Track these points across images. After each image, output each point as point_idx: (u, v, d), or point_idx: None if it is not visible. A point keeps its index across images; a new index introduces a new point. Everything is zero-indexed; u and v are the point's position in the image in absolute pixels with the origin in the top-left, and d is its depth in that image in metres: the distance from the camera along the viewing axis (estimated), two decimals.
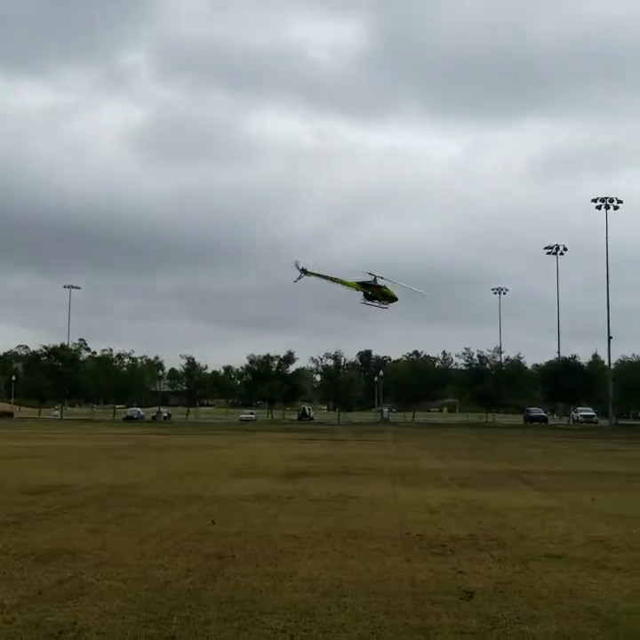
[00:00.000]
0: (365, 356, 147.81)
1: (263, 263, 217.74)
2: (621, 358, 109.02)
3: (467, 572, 10.34)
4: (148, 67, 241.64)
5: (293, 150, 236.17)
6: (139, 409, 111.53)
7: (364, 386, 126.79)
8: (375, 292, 73.76)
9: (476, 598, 8.87)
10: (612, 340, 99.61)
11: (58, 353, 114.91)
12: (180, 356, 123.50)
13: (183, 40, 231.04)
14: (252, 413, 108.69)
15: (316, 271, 76.15)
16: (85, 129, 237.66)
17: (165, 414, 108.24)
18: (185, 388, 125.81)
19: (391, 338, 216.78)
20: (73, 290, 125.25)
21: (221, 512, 15.79)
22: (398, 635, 7.40)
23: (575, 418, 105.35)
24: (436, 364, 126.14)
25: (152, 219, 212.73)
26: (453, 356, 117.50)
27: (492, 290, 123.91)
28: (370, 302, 74.56)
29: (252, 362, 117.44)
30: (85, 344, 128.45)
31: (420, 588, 9.41)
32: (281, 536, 12.99)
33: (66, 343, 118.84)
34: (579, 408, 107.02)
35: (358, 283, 74.14)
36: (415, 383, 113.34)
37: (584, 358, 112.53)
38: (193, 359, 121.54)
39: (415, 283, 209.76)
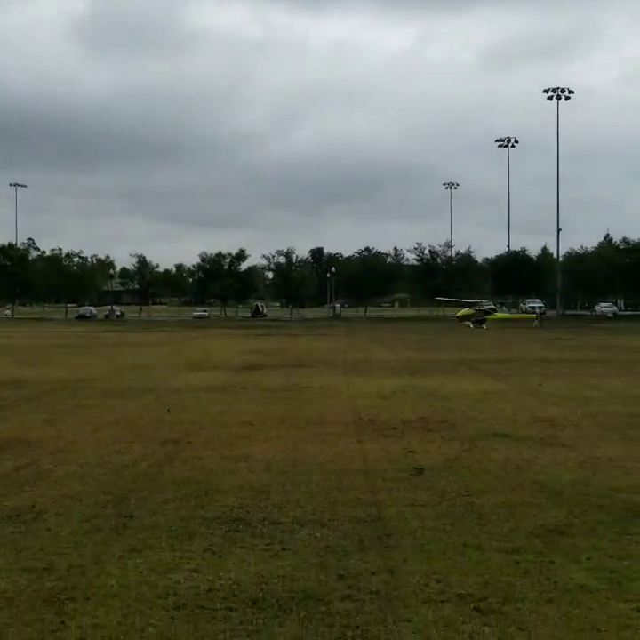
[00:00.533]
0: (317, 253, 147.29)
1: (211, 159, 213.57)
2: (569, 251, 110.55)
3: (417, 451, 10.63)
4: None
5: (236, 42, 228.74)
6: (91, 308, 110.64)
7: (317, 282, 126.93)
8: None
9: (426, 474, 9.15)
10: (561, 233, 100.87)
11: (6, 252, 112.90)
12: (131, 254, 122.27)
13: None
14: (205, 311, 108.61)
15: None
16: (23, 21, 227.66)
17: (118, 313, 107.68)
18: (137, 286, 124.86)
19: (343, 234, 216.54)
20: (19, 188, 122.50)
21: (177, 402, 15.95)
22: (351, 508, 7.63)
23: (524, 310, 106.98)
24: (388, 259, 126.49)
25: (97, 114, 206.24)
26: (405, 252, 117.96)
27: (444, 184, 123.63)
28: None
29: (203, 260, 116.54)
30: (34, 243, 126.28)
31: (371, 466, 9.68)
32: (236, 422, 13.20)
33: (14, 242, 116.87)
34: (528, 300, 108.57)
35: None
36: (367, 279, 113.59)
37: (534, 251, 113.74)
38: (144, 258, 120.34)
39: (365, 178, 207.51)
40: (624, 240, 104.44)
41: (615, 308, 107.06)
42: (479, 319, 66.73)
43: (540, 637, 4.64)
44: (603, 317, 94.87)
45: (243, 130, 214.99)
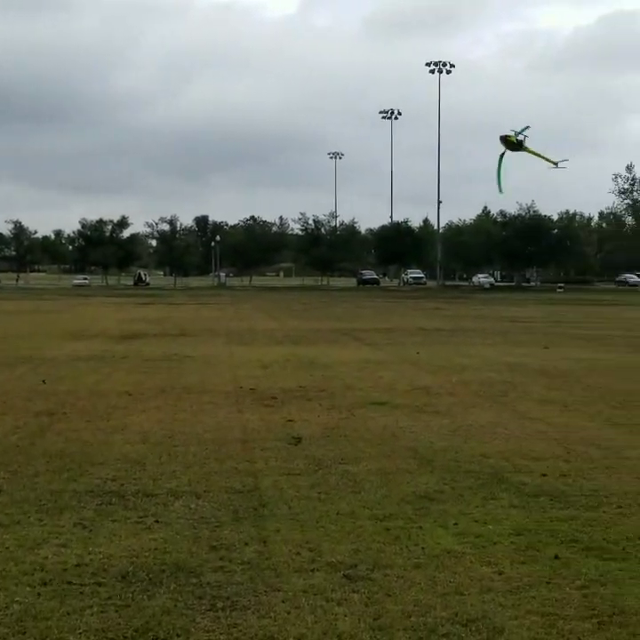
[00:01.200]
0: (202, 221, 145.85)
1: (96, 123, 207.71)
2: (449, 222, 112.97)
3: (296, 420, 10.70)
4: None
5: (124, 2, 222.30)
6: None
7: (201, 251, 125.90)
8: None
9: (304, 443, 9.22)
10: (441, 205, 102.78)
11: None
12: (6, 220, 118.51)
13: None
14: (85, 279, 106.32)
15: (531, 148, 74.28)
16: None
17: None
18: (13, 253, 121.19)
19: (228, 203, 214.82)
20: None
21: (53, 372, 15.58)
22: (227, 478, 7.63)
23: (405, 280, 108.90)
24: (273, 229, 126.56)
25: None
26: (290, 221, 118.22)
27: (328, 154, 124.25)
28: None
29: (84, 226, 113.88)
30: None
31: (250, 436, 9.69)
32: (114, 393, 12.99)
33: None
34: (409, 270, 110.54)
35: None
36: (252, 248, 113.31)
37: (416, 222, 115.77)
38: (20, 223, 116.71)
39: (251, 146, 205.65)
40: (501, 213, 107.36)
41: (492, 279, 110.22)
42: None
43: (406, 602, 4.75)
44: (480, 288, 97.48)
45: (128, 93, 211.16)
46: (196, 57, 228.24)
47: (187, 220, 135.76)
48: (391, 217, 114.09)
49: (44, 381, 14.17)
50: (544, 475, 7.80)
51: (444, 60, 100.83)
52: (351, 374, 15.64)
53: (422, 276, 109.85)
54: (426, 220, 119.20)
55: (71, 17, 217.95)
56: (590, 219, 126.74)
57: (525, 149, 73.87)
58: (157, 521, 6.33)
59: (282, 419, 10.80)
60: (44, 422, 10.50)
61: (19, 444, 9.17)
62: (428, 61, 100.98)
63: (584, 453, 8.78)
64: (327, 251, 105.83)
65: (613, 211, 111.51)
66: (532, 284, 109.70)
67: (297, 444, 9.17)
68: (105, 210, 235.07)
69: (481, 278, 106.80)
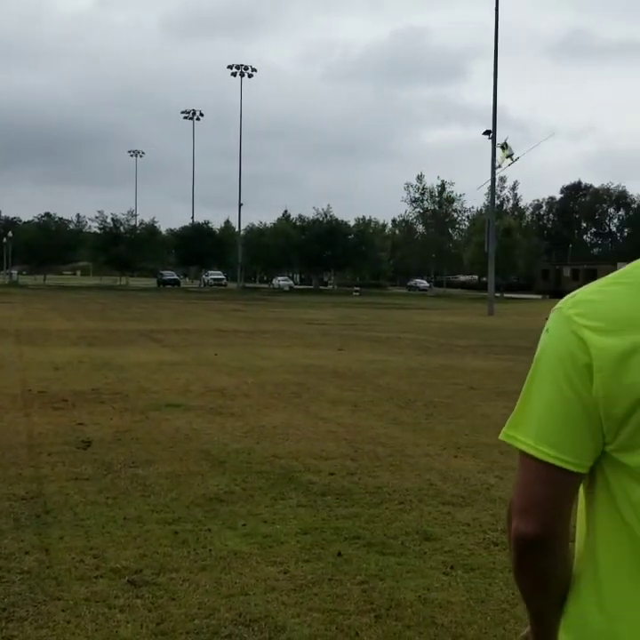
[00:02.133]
0: None
1: None
2: (250, 225, 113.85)
3: (87, 423, 10.44)
4: None
5: None
6: None
7: None
8: None
9: (94, 447, 9.01)
10: (243, 207, 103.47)
11: None
12: None
13: None
14: None
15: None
16: None
17: None
18: None
19: (23, 199, 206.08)
20: None
21: None
22: (10, 485, 7.33)
23: (206, 281, 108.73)
24: (70, 226, 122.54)
25: None
26: (88, 220, 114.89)
27: (129, 152, 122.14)
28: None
29: None
30: None
31: (36, 440, 9.36)
32: None
33: None
34: (210, 272, 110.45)
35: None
36: (47, 245, 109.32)
37: (217, 224, 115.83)
38: None
39: (48, 141, 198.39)
40: (300, 217, 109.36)
41: (291, 281, 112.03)
42: None
43: (190, 605, 4.76)
44: (279, 290, 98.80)
45: None
46: None
47: None
48: (192, 218, 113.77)
49: None
50: (332, 473, 8.02)
51: (245, 64, 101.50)
52: (147, 376, 15.43)
53: (223, 277, 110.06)
54: (227, 222, 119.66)
55: None
56: (385, 225, 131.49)
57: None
58: None
59: (72, 422, 10.50)
60: None
61: None
62: (230, 64, 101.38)
63: (371, 452, 9.10)
64: (126, 250, 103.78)
65: (405, 218, 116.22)
66: (330, 287, 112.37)
67: (86, 448, 8.96)
68: None
69: (280, 281, 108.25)
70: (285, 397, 13.23)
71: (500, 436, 1.54)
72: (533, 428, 1.48)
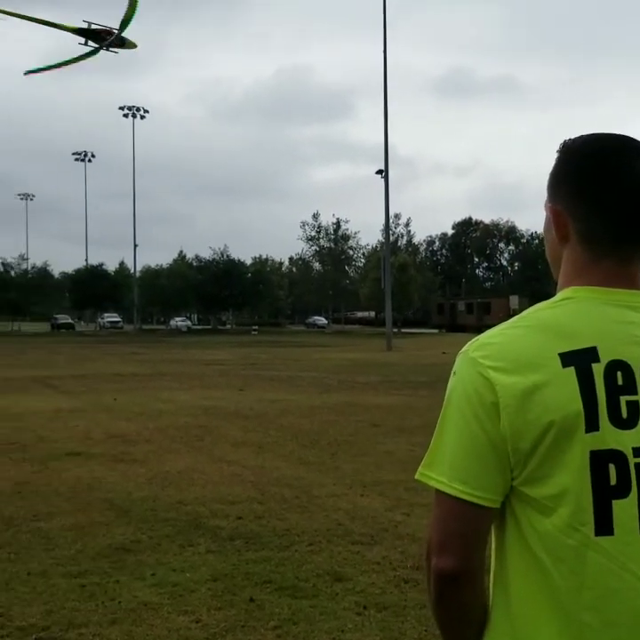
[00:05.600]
0: None
1: None
2: (145, 266, 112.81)
3: None
4: None
5: None
6: None
7: None
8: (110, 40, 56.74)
9: None
10: (138, 248, 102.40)
11: None
12: None
13: None
14: None
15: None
16: None
17: None
18: None
19: None
20: None
21: None
22: None
23: (102, 324, 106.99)
24: None
25: None
26: None
27: (19, 196, 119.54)
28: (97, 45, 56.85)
29: None
30: None
31: None
32: None
33: None
34: (105, 314, 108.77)
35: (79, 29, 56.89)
36: None
37: (112, 266, 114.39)
38: None
39: None
40: (196, 257, 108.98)
41: (189, 322, 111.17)
42: None
43: None
44: (177, 331, 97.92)
45: None
46: None
47: None
48: (86, 260, 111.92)
49: None
50: (240, 518, 7.98)
51: (137, 105, 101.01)
52: (44, 424, 15.06)
53: (119, 320, 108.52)
54: (122, 263, 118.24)
55: None
56: (281, 263, 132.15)
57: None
58: None
59: None
60: None
61: None
62: (122, 105, 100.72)
63: (277, 494, 9.09)
64: (18, 295, 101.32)
65: (302, 256, 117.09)
66: (228, 326, 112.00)
67: None
68: None
69: (178, 322, 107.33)
70: (188, 441, 13.10)
71: (416, 476, 1.63)
72: (446, 466, 1.57)
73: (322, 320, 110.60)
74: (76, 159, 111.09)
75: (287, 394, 21.23)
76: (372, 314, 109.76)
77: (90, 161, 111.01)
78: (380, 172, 59.36)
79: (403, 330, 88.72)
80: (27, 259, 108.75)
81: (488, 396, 1.55)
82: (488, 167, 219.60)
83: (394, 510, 8.27)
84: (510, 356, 1.56)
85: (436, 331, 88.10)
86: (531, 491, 1.55)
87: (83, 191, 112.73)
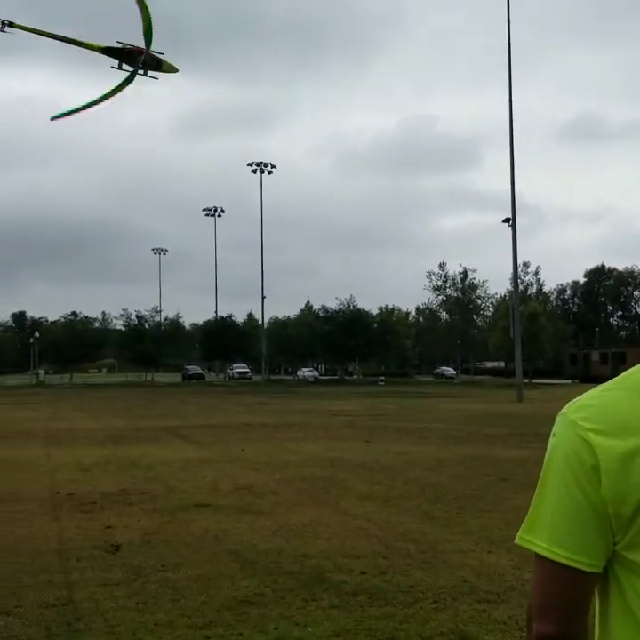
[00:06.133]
0: (20, 317, 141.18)
1: None
2: (272, 317, 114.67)
3: (115, 526, 10.41)
4: None
5: None
6: None
7: (19, 348, 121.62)
8: (141, 59, 51.39)
9: (123, 551, 8.97)
10: (266, 299, 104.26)
11: None
12: None
13: None
14: None
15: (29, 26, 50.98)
16: None
17: None
18: None
19: (45, 298, 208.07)
20: None
21: None
22: (40, 592, 7.31)
23: (231, 375, 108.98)
24: (95, 324, 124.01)
25: None
26: (113, 317, 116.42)
27: (153, 250, 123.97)
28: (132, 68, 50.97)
29: None
30: None
31: (66, 545, 9.34)
32: None
33: None
34: (234, 365, 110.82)
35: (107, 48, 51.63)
36: (73, 344, 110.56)
37: (240, 317, 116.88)
38: None
39: (62, 241, 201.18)
40: (323, 307, 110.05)
41: (316, 372, 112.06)
42: None
43: None
44: (304, 382, 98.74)
45: None
46: (1, 148, 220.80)
47: (2, 315, 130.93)
48: (216, 312, 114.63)
49: None
50: (363, 573, 7.91)
51: (265, 161, 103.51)
52: (174, 475, 15.40)
53: (248, 370, 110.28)
54: (250, 314, 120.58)
55: None
56: (408, 313, 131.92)
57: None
58: None
59: (100, 525, 10.47)
60: None
61: None
62: (250, 161, 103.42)
63: (402, 549, 8.98)
64: (151, 346, 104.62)
65: (429, 306, 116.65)
66: (355, 377, 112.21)
67: (115, 552, 8.91)
68: None
69: (305, 372, 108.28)
70: (314, 493, 13.12)
71: (516, 541, 1.61)
72: (546, 530, 1.56)
73: (450, 370, 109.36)
74: (207, 214, 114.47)
75: (414, 446, 21.04)
76: (502, 364, 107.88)
77: (219, 216, 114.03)
78: (507, 220, 58.80)
79: (534, 380, 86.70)
80: (160, 311, 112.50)
81: (588, 459, 1.53)
82: (620, 213, 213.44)
83: (522, 568, 8.02)
84: (610, 419, 1.54)
85: (568, 382, 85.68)
86: (633, 556, 1.51)
87: (213, 245, 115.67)
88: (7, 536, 9.84)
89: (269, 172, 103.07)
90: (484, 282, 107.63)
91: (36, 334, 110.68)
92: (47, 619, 6.53)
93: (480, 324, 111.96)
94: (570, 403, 1.64)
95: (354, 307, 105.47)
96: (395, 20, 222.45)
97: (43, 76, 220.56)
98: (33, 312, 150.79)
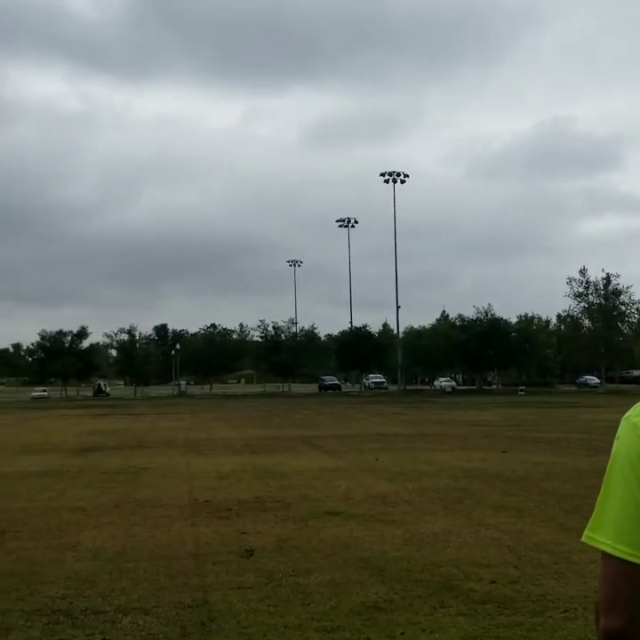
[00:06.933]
0: (162, 329, 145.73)
1: (39, 233, 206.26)
2: (407, 327, 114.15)
3: (249, 532, 10.68)
4: None
5: (57, 113, 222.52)
6: None
7: (162, 360, 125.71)
8: None
9: (256, 556, 9.21)
10: (400, 309, 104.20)
11: None
12: None
13: None
14: (44, 391, 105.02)
15: None
16: None
17: None
18: None
19: (185, 310, 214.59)
20: None
21: (6, 489, 15.41)
22: (177, 594, 7.60)
23: (367, 385, 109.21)
24: (233, 336, 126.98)
25: None
26: (249, 329, 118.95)
27: (288, 262, 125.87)
28: None
29: (43, 338, 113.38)
30: None
31: (202, 549, 9.66)
32: (67, 509, 12.86)
33: None
34: (370, 375, 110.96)
35: None
36: (212, 355, 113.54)
37: (375, 327, 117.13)
38: None
39: (202, 253, 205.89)
40: (459, 317, 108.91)
41: (453, 382, 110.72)
42: None
43: None
44: (441, 392, 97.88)
45: (71, 203, 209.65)
46: (140, 166, 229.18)
47: (146, 328, 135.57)
48: (351, 322, 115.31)
49: None
50: (493, 582, 7.86)
51: (397, 170, 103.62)
52: (308, 483, 15.63)
53: (383, 380, 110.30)
54: (385, 325, 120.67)
55: (5, 128, 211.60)
56: (548, 321, 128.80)
57: None
58: (105, 638, 6.30)
59: (235, 531, 10.77)
60: None
61: None
62: (382, 171, 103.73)
63: (534, 559, 8.86)
64: (288, 357, 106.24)
65: (570, 313, 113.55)
66: (494, 387, 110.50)
67: (249, 557, 9.16)
68: (59, 321, 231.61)
69: (442, 382, 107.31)
70: (446, 503, 13.07)
71: (583, 539, 1.71)
72: (611, 528, 1.65)
73: (593, 379, 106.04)
74: (340, 225, 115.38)
75: (553, 456, 20.61)
76: None
77: (353, 227, 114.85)
78: None
79: None
80: (296, 322, 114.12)
81: None
82: None
83: None
84: None
85: None
86: None
87: (346, 255, 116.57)
88: (148, 540, 10.24)
89: (402, 182, 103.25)
90: (628, 287, 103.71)
91: (177, 346, 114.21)
92: (183, 619, 6.79)
93: (625, 331, 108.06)
94: (634, 406, 1.72)
95: (491, 315, 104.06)
96: (527, 19, 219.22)
97: (178, 95, 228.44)
98: (174, 324, 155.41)
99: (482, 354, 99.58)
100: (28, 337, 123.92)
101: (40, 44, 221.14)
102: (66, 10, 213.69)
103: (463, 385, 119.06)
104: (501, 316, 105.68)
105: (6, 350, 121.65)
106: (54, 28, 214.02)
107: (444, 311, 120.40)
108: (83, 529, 11.14)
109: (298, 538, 10.24)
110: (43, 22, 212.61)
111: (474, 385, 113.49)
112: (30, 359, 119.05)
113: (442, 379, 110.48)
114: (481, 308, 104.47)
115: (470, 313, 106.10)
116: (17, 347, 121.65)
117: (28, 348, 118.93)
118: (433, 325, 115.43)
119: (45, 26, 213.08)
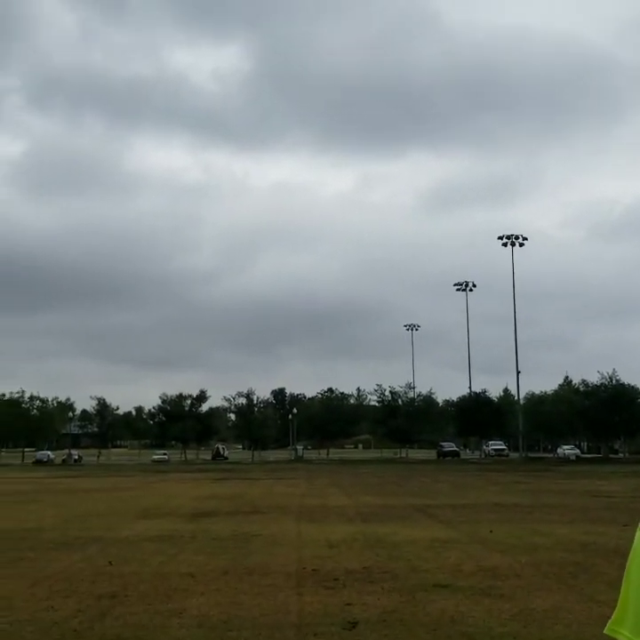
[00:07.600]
0: (279, 393, 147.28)
1: (161, 300, 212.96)
2: (528, 393, 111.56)
3: (355, 603, 10.58)
4: (21, 96, 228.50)
5: (178, 183, 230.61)
6: (48, 452, 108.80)
7: (279, 424, 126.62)
8: None
9: (359, 628, 9.11)
10: (520, 374, 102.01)
11: None
12: (91, 397, 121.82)
13: (56, 67, 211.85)
14: (164, 454, 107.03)
15: None
16: None
17: (76, 457, 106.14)
18: (96, 429, 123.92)
19: (301, 374, 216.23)
20: None
21: (120, 553, 15.74)
22: None
23: (486, 451, 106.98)
24: (350, 400, 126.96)
25: (38, 256, 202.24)
26: (367, 393, 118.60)
27: (405, 326, 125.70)
28: None
29: (164, 401, 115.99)
30: None
31: (306, 620, 9.61)
32: (177, 574, 13.05)
33: None
34: (490, 442, 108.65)
35: None
36: (329, 420, 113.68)
37: (494, 392, 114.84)
38: (104, 400, 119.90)
39: (316, 319, 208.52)
40: (583, 382, 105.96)
41: (577, 450, 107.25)
42: None
43: None
44: (565, 460, 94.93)
45: (191, 270, 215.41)
46: (257, 233, 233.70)
47: (264, 392, 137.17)
48: (470, 387, 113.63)
49: (110, 563, 14.32)
50: None
51: (516, 233, 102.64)
52: (418, 554, 15.39)
53: (504, 447, 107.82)
54: (506, 390, 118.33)
55: (129, 199, 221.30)
56: None
57: None
58: None
59: (341, 602, 10.69)
60: (105, 605, 10.60)
61: (77, 628, 9.28)
62: (500, 234, 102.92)
63: None
64: (405, 422, 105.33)
65: None
66: (620, 455, 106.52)
67: (351, 629, 9.06)
68: (180, 384, 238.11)
69: (566, 450, 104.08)
70: (560, 578, 12.64)
71: (605, 630, 1.73)
72: (630, 620, 1.68)
73: None
74: (458, 289, 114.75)
75: None
76: None
77: (471, 290, 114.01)
78: None
79: None
80: (413, 387, 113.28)
81: None
82: None
83: None
84: None
85: None
86: None
87: (464, 319, 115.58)
88: (253, 608, 10.27)
89: (521, 245, 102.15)
90: None
91: (294, 410, 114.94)
92: None
93: None
94: None
95: (617, 380, 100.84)
96: None
97: (294, 162, 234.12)
98: (291, 388, 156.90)
99: (607, 420, 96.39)
100: (150, 400, 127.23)
101: (163, 117, 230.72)
102: (188, 84, 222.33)
103: (588, 453, 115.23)
104: (627, 381, 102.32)
105: (129, 413, 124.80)
106: (177, 102, 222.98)
107: (567, 377, 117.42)
108: (190, 595, 11.26)
109: (403, 611, 10.08)
110: (166, 96, 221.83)
111: (599, 453, 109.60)
112: (151, 422, 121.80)
113: (565, 446, 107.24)
114: (605, 374, 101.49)
115: (594, 378, 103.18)
116: (139, 410, 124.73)
117: (149, 411, 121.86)
118: (555, 391, 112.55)
119: (169, 100, 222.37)
